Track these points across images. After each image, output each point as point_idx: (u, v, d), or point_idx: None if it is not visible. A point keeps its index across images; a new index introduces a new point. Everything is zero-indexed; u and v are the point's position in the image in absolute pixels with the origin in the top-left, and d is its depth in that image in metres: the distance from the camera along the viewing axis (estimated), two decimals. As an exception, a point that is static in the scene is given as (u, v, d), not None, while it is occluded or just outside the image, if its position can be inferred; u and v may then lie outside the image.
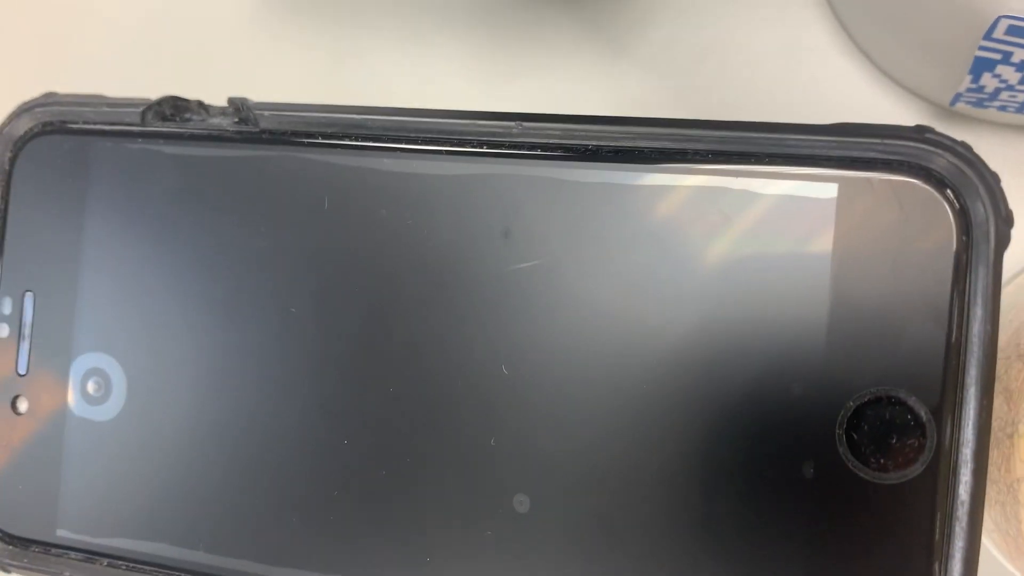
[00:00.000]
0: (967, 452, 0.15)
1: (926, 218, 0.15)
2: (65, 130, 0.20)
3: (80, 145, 0.19)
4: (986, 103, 0.21)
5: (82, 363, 0.19)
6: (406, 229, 0.18)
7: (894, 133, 0.15)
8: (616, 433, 0.16)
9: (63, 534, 0.19)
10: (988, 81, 0.20)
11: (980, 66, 0.20)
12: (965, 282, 0.15)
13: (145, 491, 0.19)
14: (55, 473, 0.19)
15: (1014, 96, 0.20)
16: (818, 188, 0.16)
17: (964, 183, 0.15)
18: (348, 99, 0.20)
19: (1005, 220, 0.15)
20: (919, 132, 0.15)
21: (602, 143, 0.17)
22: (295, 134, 0.18)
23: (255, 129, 0.19)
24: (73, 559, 0.19)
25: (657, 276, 0.16)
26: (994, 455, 0.18)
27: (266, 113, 0.19)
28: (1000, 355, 0.19)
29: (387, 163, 0.18)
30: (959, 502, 0.15)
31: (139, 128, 0.19)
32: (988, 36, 0.19)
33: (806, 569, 0.15)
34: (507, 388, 0.17)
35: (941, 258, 0.15)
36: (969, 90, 0.21)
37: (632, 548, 0.16)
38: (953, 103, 0.22)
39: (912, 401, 0.15)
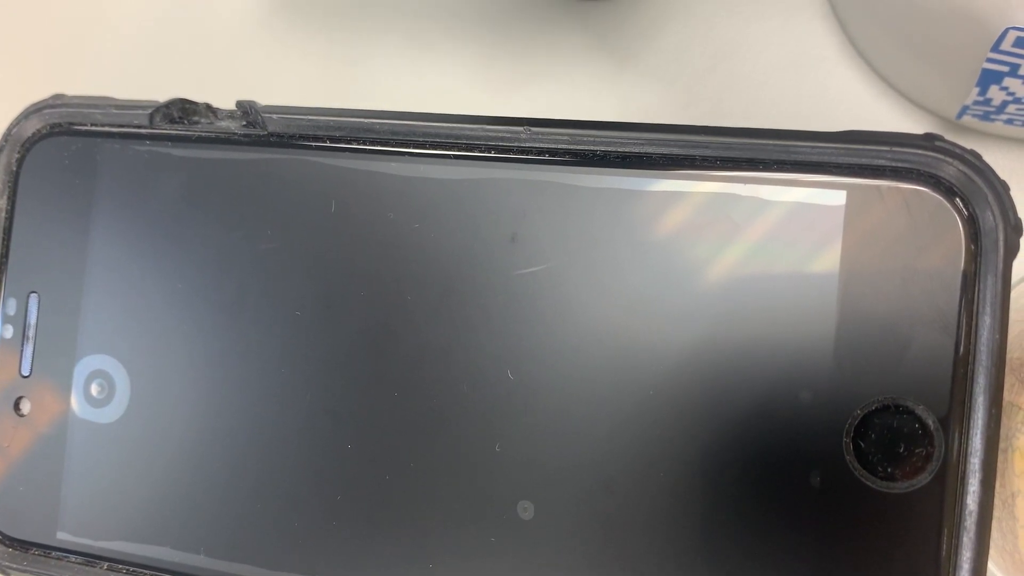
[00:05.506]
0: (975, 462, 0.15)
1: (935, 226, 0.15)
2: (73, 132, 0.20)
3: (88, 147, 0.20)
4: (993, 116, 0.21)
5: (86, 365, 0.19)
6: (413, 233, 0.18)
7: (903, 141, 0.15)
8: (622, 440, 0.16)
9: (64, 537, 0.19)
10: (995, 94, 0.20)
11: (987, 78, 0.20)
12: (974, 290, 0.15)
13: (147, 494, 0.19)
14: (56, 475, 0.19)
15: (1021, 109, 0.20)
16: (827, 195, 0.16)
17: (973, 191, 0.15)
18: (356, 104, 0.20)
19: (1014, 228, 0.15)
20: (928, 140, 0.15)
21: (610, 149, 0.17)
22: (303, 137, 0.18)
23: (263, 132, 0.19)
24: (73, 562, 0.19)
25: (664, 282, 0.16)
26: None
27: (274, 116, 0.19)
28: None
29: (394, 167, 0.18)
30: (967, 512, 0.15)
31: (147, 130, 0.19)
32: (996, 48, 0.19)
33: (812, 578, 0.15)
34: (513, 394, 0.17)
35: (950, 266, 0.15)
36: (976, 103, 0.21)
37: (637, 556, 0.16)
38: (959, 116, 0.22)
39: (920, 410, 0.15)
